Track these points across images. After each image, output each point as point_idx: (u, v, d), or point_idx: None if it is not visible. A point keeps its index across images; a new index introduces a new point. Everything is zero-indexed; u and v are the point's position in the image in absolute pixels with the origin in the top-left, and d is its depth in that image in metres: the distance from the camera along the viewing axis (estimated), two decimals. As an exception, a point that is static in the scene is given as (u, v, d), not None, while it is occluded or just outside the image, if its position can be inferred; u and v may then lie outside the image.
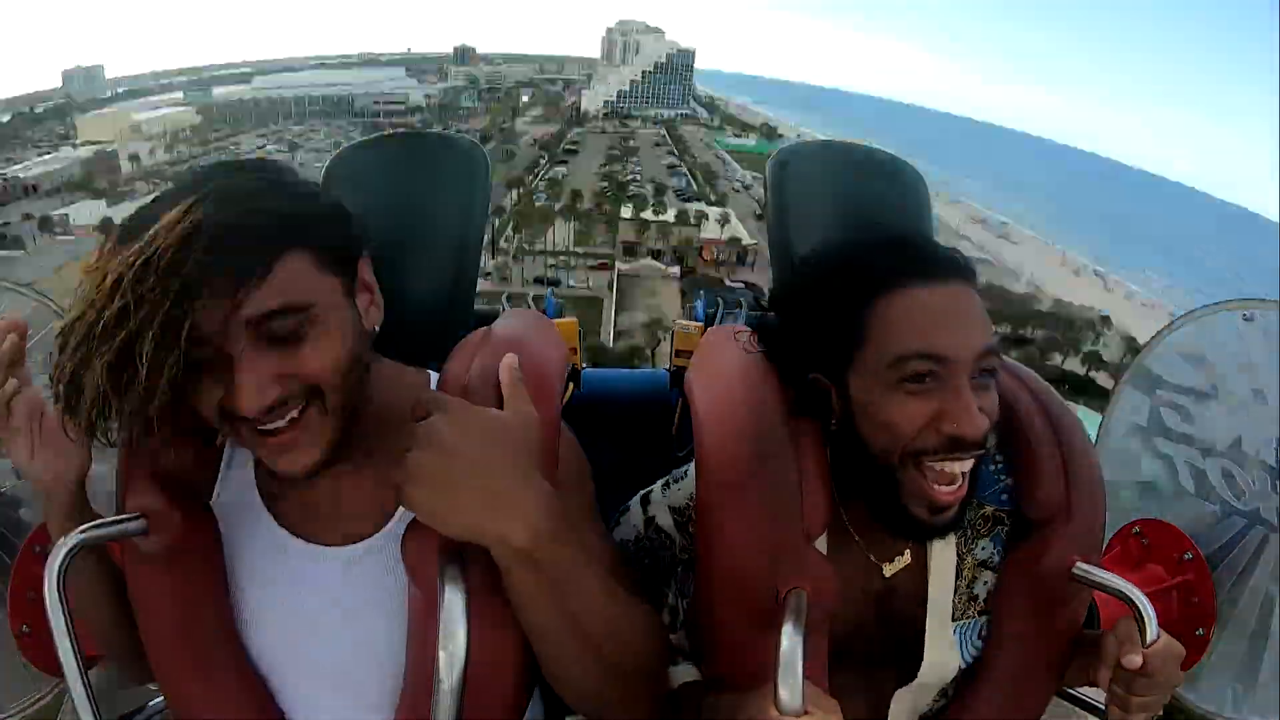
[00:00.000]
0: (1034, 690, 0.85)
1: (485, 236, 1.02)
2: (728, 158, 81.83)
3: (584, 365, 1.23)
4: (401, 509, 0.76)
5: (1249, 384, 1.16)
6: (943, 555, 0.86)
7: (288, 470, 0.71)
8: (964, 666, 0.86)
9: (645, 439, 1.18)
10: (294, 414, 0.67)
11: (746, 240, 63.87)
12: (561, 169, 73.50)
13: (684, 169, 75.08)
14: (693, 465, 0.91)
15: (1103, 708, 0.79)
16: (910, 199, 1.04)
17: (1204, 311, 1.21)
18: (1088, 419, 1.02)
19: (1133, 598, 0.74)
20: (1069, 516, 0.82)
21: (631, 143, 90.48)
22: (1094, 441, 0.97)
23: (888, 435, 0.75)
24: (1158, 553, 1.15)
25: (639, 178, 70.55)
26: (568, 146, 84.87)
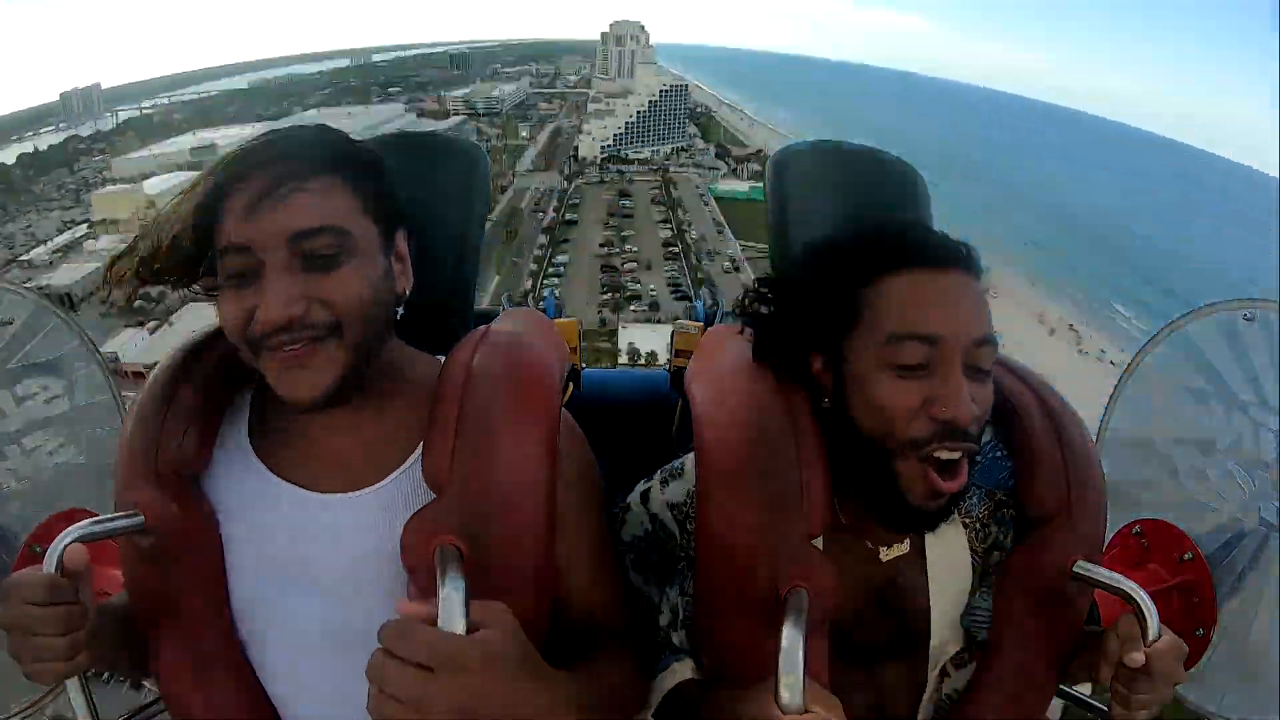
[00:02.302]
0: (1034, 690, 0.85)
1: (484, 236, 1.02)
2: (723, 221, 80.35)
3: (584, 365, 1.23)
4: (405, 463, 0.77)
5: (1249, 384, 1.16)
6: (942, 540, 0.86)
7: (293, 394, 0.70)
8: (959, 646, 0.87)
9: (645, 439, 1.18)
10: (311, 335, 0.69)
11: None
12: (563, 258, 72.87)
13: (679, 249, 74.30)
14: (689, 458, 0.90)
15: (1103, 708, 0.79)
16: (910, 199, 1.04)
17: (1204, 311, 1.21)
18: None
19: (1134, 595, 0.74)
20: (1069, 515, 0.82)
21: (627, 203, 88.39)
22: (1094, 440, 0.97)
23: (879, 419, 0.75)
24: (1158, 553, 1.14)
25: (637, 264, 70.89)
26: (568, 218, 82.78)
